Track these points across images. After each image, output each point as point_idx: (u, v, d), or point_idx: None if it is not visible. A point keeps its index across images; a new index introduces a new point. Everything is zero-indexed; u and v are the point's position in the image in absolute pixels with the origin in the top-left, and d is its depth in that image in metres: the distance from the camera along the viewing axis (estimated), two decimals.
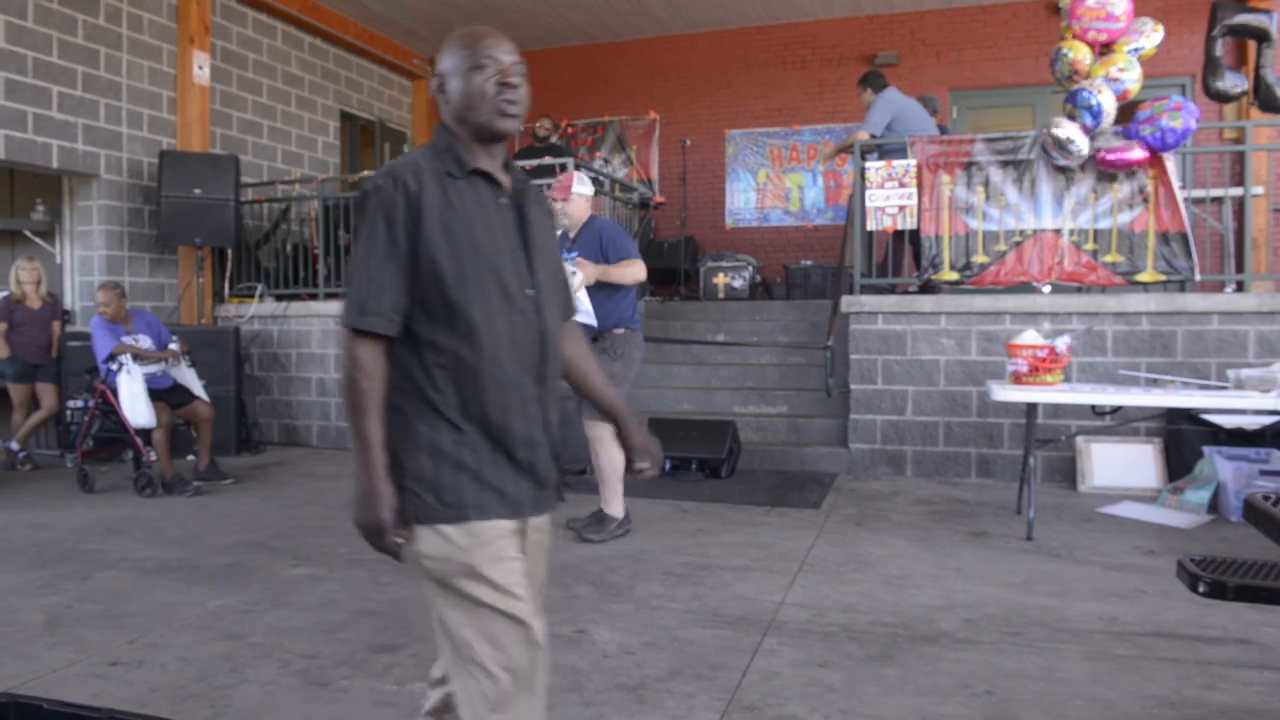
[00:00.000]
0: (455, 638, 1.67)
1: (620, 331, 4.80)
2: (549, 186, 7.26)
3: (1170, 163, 5.92)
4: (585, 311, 4.64)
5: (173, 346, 6.23)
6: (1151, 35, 5.72)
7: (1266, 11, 6.19)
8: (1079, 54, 5.72)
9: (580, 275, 4.53)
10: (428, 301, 1.67)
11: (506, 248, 1.73)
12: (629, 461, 2.03)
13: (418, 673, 2.97)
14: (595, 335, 4.79)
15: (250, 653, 3.15)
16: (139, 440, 5.89)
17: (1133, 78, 5.67)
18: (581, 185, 4.84)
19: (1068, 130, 5.79)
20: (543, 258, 1.80)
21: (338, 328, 1.66)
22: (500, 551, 1.69)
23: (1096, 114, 5.71)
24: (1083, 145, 5.81)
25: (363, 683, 2.90)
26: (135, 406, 5.79)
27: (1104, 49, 5.78)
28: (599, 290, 4.69)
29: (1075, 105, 5.83)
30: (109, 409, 6.00)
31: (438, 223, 1.67)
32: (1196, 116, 5.70)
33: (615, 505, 4.77)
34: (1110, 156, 5.77)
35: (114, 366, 5.88)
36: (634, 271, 4.76)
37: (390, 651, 3.16)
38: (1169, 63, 8.35)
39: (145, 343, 6.14)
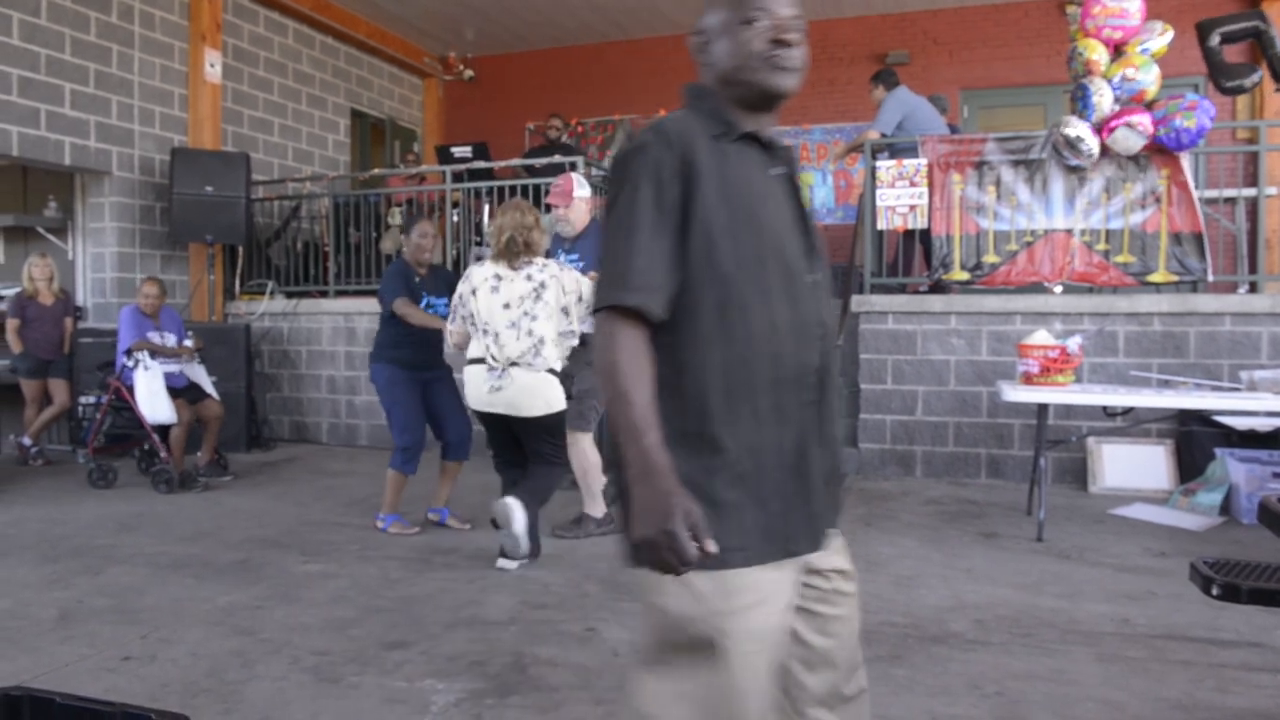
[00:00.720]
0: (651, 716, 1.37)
1: None
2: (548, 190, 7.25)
3: (1185, 162, 5.88)
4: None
5: (187, 343, 6.25)
6: (1161, 36, 5.69)
7: (1256, 12, 6.16)
8: (1094, 53, 5.70)
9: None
10: (692, 287, 1.38)
11: (786, 225, 1.46)
12: None
13: (428, 669, 2.97)
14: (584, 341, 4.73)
15: (261, 648, 3.17)
16: (156, 437, 5.91)
17: (1149, 78, 5.63)
18: (581, 188, 4.75)
19: (1078, 129, 5.76)
20: (819, 238, 1.53)
21: (590, 313, 1.43)
22: (762, 615, 1.38)
23: (1089, 108, 5.71)
24: (1093, 144, 5.78)
25: (373, 679, 2.91)
26: (155, 403, 5.80)
27: (1118, 49, 5.75)
28: None
29: (1074, 99, 5.84)
30: (122, 405, 6.02)
31: (716, 190, 1.39)
32: (1211, 115, 5.67)
33: (595, 505, 4.79)
34: (1114, 122, 5.73)
35: (130, 363, 5.89)
36: None
37: (400, 648, 3.17)
38: (1182, 62, 8.29)
39: (170, 341, 6.16)
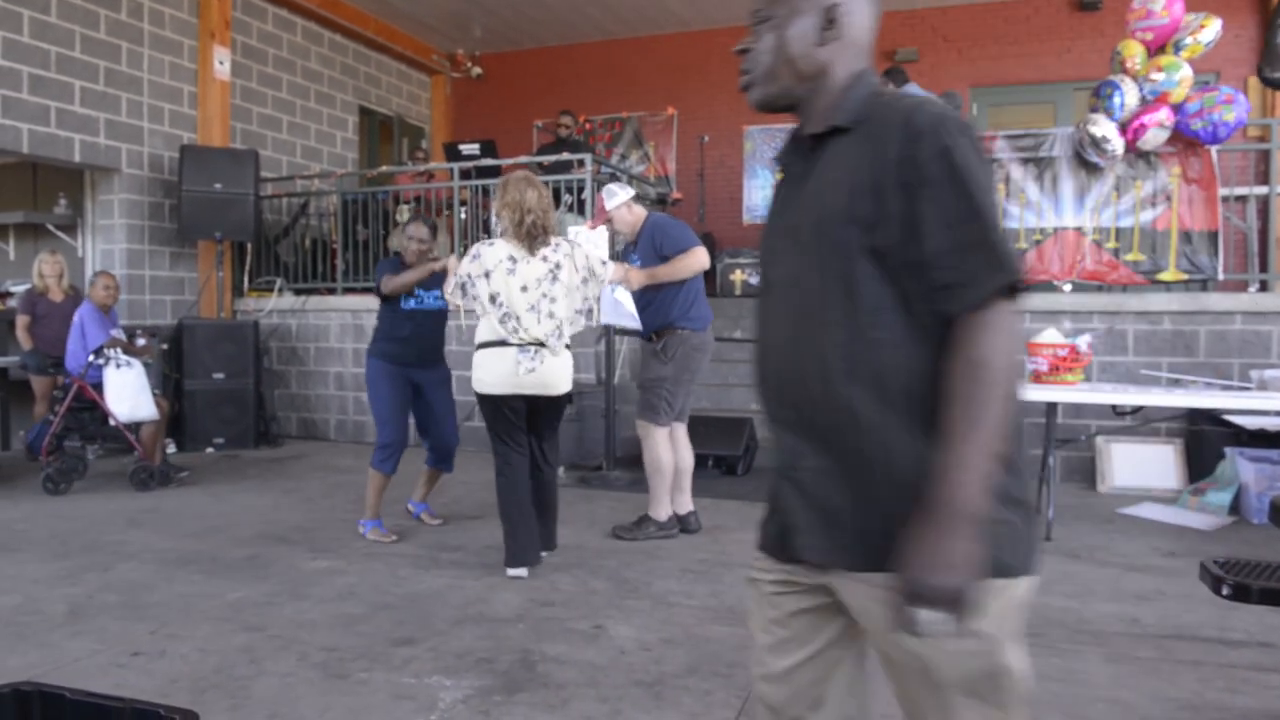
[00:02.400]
0: None
1: (676, 332, 4.57)
2: (581, 184, 7.23)
3: (1214, 156, 5.85)
4: (630, 316, 4.51)
5: (140, 341, 6.19)
6: (1198, 34, 5.62)
7: None
8: (1131, 52, 5.66)
9: (612, 268, 4.25)
10: None
11: (777, 224, 1.44)
12: None
13: (435, 666, 2.98)
14: (650, 334, 4.67)
15: (269, 644, 3.17)
16: (130, 435, 5.86)
17: (1175, 78, 5.58)
18: (612, 198, 4.67)
19: (1103, 128, 5.71)
20: (794, 232, 1.37)
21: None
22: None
23: (1119, 106, 5.66)
24: (1118, 144, 5.73)
25: (381, 675, 2.91)
26: (138, 400, 5.77)
27: (1159, 49, 5.71)
28: (644, 289, 4.54)
29: (1098, 96, 5.78)
30: (82, 406, 5.84)
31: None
32: (1248, 109, 5.67)
33: (658, 508, 4.63)
34: (1141, 120, 5.70)
35: (100, 361, 5.78)
36: (686, 264, 4.54)
37: (408, 645, 3.17)
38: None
39: (122, 334, 6.13)
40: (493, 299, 3.86)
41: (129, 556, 4.30)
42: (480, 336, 3.95)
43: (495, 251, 3.89)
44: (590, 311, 4.07)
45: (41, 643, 3.20)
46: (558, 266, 3.88)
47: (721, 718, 2.62)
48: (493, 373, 3.87)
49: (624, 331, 6.82)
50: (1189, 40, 5.63)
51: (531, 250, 3.86)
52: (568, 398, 4.14)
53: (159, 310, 8.05)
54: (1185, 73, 5.62)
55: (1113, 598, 3.70)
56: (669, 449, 4.61)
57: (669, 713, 2.65)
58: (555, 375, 3.92)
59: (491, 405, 3.95)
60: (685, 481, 4.73)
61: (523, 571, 3.97)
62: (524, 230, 3.83)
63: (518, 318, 3.83)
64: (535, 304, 3.83)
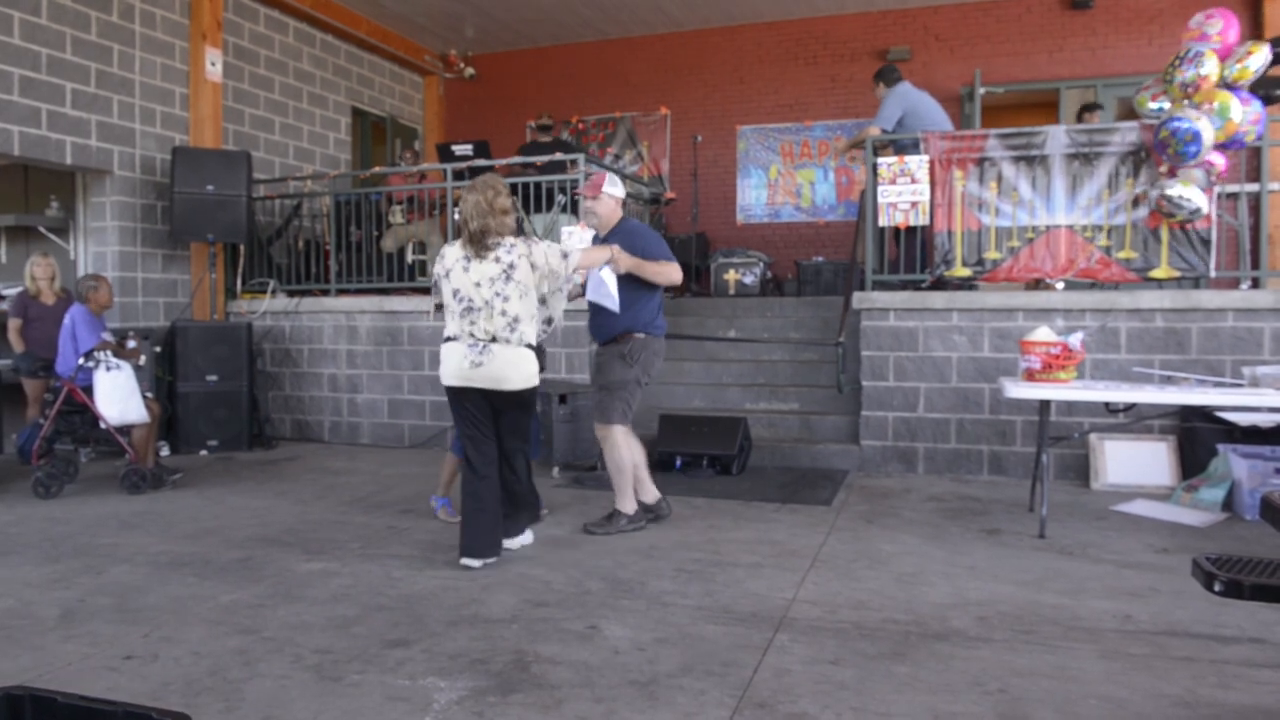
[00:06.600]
0: None
1: (640, 336, 4.72)
2: (575, 184, 7.23)
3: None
4: (610, 296, 4.56)
5: (131, 345, 6.17)
6: (1248, 59, 5.53)
7: None
8: (1205, 68, 5.56)
9: (606, 255, 4.46)
10: None
11: None
12: None
13: (430, 668, 2.97)
14: (614, 338, 4.72)
15: (263, 647, 3.17)
16: (121, 438, 5.83)
17: (1222, 120, 5.53)
18: (612, 186, 4.78)
19: (1185, 190, 5.57)
20: None
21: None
22: None
23: (1196, 142, 5.52)
24: (1201, 203, 5.62)
25: (375, 677, 2.91)
26: (129, 403, 5.74)
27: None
28: (626, 290, 4.61)
29: (1174, 138, 5.54)
30: (75, 409, 5.81)
31: None
32: (1265, 123, 5.75)
33: (625, 502, 4.81)
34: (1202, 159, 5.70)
35: (90, 364, 5.75)
36: (670, 272, 4.71)
37: (402, 646, 3.17)
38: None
39: (111, 337, 6.10)
40: (455, 295, 4.09)
41: (121, 560, 4.29)
42: (445, 331, 4.18)
43: (454, 251, 4.15)
44: (545, 315, 4.31)
45: (33, 646, 3.19)
46: (511, 266, 4.04)
47: (716, 717, 2.62)
48: (446, 365, 4.13)
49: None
50: (1236, 67, 5.58)
51: (479, 254, 4.04)
52: (529, 397, 4.22)
53: (151, 313, 8.03)
54: (1235, 110, 5.52)
55: (1106, 594, 3.71)
56: (628, 448, 4.79)
57: (663, 712, 2.65)
58: (505, 370, 4.04)
59: (450, 396, 4.21)
60: (644, 473, 4.93)
61: (474, 562, 4.09)
62: (468, 237, 4.06)
63: (474, 312, 4.03)
64: (489, 300, 4.02)
